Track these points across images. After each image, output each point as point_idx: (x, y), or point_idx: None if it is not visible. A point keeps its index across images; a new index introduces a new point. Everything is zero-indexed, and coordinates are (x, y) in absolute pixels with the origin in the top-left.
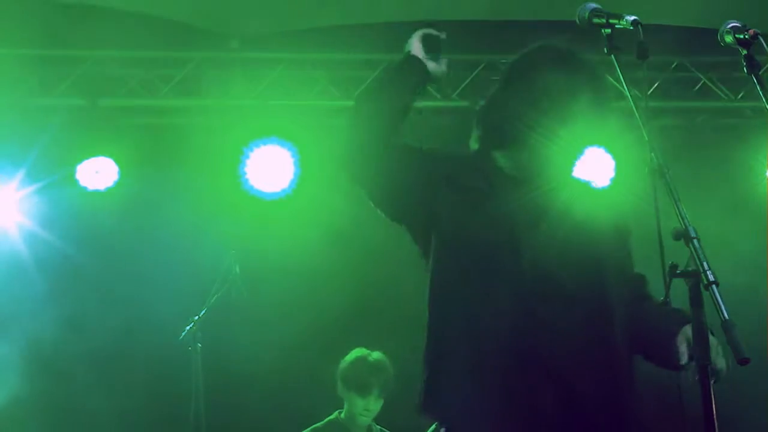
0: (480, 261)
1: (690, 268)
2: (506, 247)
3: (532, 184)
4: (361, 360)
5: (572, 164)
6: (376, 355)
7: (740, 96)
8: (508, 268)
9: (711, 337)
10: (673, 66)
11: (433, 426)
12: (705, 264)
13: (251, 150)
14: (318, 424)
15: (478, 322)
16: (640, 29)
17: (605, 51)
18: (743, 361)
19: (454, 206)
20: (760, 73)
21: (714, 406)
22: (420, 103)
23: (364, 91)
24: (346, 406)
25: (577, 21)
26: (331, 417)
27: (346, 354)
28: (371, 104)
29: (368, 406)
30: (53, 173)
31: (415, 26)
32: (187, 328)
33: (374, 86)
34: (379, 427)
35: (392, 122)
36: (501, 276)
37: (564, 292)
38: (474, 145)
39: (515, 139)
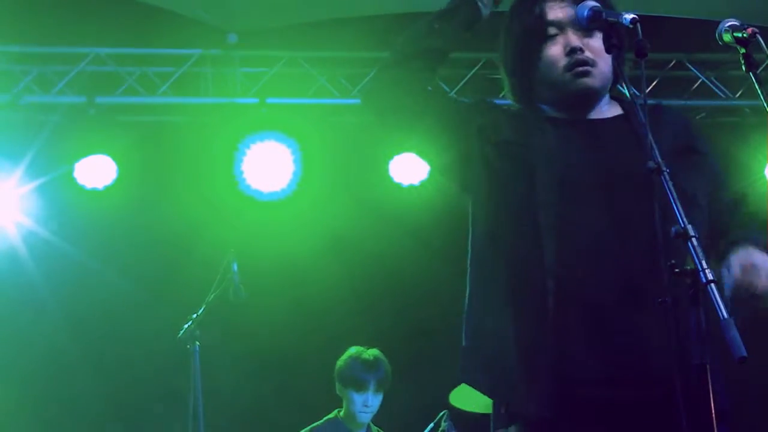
0: (512, 215)
1: (688, 267)
2: (532, 192)
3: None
4: (355, 357)
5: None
6: (371, 351)
7: (738, 94)
8: (535, 217)
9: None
10: (671, 64)
11: (441, 414)
12: (703, 263)
13: (249, 148)
14: (317, 423)
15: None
16: (639, 27)
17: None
18: (742, 359)
19: (487, 160)
20: (759, 71)
21: (713, 404)
22: None
23: (408, 30)
24: (344, 404)
25: (575, 20)
26: (330, 416)
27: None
28: (412, 42)
29: (366, 402)
30: (51, 171)
31: (413, 17)
32: (185, 326)
33: (421, 24)
34: (377, 428)
35: (433, 62)
36: (528, 226)
37: (595, 223)
38: (511, 98)
39: (543, 79)
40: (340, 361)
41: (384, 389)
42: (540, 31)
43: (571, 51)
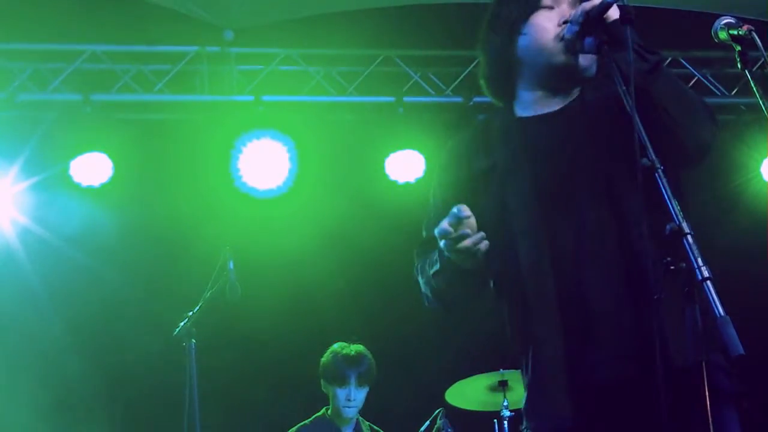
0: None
1: (684, 265)
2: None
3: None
4: (337, 353)
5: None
6: (354, 347)
7: (734, 92)
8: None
9: None
10: (666, 61)
11: (437, 411)
12: (699, 260)
13: (245, 145)
14: (305, 422)
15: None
16: None
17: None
18: (739, 357)
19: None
20: (754, 69)
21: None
22: (413, 99)
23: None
24: (330, 401)
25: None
26: (318, 414)
27: None
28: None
29: (349, 396)
30: (47, 169)
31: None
32: (181, 324)
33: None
34: (368, 423)
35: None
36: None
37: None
38: (488, 92)
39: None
40: (323, 358)
41: (368, 383)
42: (536, 1)
43: (566, 23)
